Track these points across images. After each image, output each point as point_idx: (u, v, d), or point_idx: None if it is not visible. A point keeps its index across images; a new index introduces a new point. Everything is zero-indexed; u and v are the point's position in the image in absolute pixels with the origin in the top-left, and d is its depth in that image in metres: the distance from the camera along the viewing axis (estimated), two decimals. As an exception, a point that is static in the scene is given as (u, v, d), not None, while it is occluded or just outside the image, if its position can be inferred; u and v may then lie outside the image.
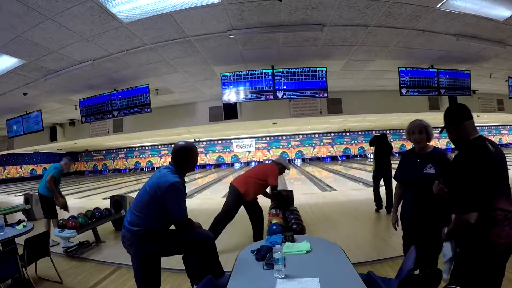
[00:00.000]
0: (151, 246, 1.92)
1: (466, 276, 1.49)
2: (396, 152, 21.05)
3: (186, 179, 2.12)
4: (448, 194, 1.65)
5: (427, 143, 2.15)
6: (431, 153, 2.14)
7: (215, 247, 2.13)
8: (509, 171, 1.72)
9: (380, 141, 5.52)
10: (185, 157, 2.08)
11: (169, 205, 1.90)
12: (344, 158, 20.27)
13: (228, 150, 21.11)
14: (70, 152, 22.49)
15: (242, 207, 3.72)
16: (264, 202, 3.97)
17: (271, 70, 4.69)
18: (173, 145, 2.17)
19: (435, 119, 5.33)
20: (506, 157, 1.66)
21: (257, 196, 3.82)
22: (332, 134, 20.70)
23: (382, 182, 5.48)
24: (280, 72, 4.70)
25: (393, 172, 2.42)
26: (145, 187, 2.00)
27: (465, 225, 1.45)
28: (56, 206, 4.47)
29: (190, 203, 6.27)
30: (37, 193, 4.84)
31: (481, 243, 1.44)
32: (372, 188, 5.64)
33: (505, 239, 1.40)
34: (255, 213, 3.78)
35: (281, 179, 12.35)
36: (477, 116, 10.94)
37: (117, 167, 22.89)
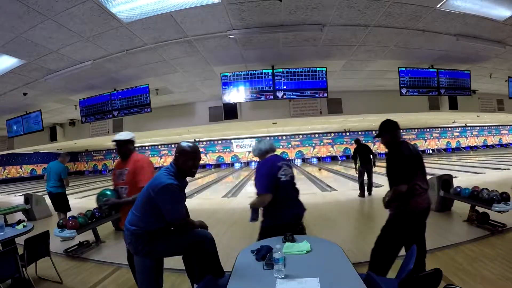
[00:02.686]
0: (149, 245, 1.91)
1: (396, 229, 2.28)
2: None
3: (186, 179, 2.07)
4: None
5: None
6: None
7: (215, 247, 2.12)
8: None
9: (359, 148, 6.92)
10: (178, 158, 2.00)
11: (162, 207, 1.87)
12: (344, 158, 20.27)
13: (228, 150, 21.11)
14: (70, 152, 22.47)
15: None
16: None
17: (271, 70, 4.69)
18: (173, 145, 2.11)
19: (436, 119, 5.33)
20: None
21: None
22: (332, 134, 20.69)
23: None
24: (280, 72, 4.70)
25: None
26: (144, 187, 2.00)
27: (400, 194, 2.19)
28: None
29: (190, 203, 6.26)
30: (37, 194, 5.08)
31: (408, 207, 2.23)
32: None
33: (421, 204, 2.26)
34: None
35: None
36: (477, 116, 10.94)
37: (117, 167, 22.87)
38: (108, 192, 2.53)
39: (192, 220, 2.08)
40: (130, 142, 2.60)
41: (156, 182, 1.91)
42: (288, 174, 2.46)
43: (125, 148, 2.57)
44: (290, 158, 20.63)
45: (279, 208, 2.34)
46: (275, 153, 2.59)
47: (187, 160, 1.99)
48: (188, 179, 2.10)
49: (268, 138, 2.74)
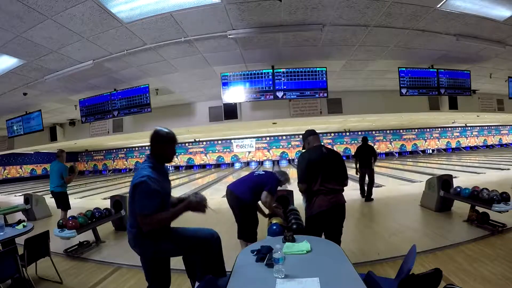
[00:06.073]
0: (154, 246, 1.88)
1: (311, 227, 2.61)
2: (396, 152, 21.08)
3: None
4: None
5: None
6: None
7: (221, 246, 2.11)
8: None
9: (363, 147, 6.53)
10: (156, 146, 1.94)
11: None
12: (344, 158, 20.25)
13: (228, 150, 21.09)
14: (70, 152, 22.48)
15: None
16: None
17: (271, 70, 4.69)
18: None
19: (436, 119, 5.32)
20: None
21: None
22: (332, 134, 20.69)
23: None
24: (280, 72, 4.70)
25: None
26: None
27: (303, 191, 2.63)
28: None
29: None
30: (37, 194, 5.10)
31: (310, 205, 2.59)
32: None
33: (318, 203, 2.54)
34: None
35: (281, 179, 12.31)
36: (477, 116, 10.95)
37: (117, 167, 22.85)
38: None
39: (167, 213, 1.89)
40: None
41: (133, 180, 1.85)
42: (255, 171, 3.49)
43: None
44: (290, 158, 20.66)
45: None
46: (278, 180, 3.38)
47: (167, 147, 1.96)
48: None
49: (284, 172, 3.59)
